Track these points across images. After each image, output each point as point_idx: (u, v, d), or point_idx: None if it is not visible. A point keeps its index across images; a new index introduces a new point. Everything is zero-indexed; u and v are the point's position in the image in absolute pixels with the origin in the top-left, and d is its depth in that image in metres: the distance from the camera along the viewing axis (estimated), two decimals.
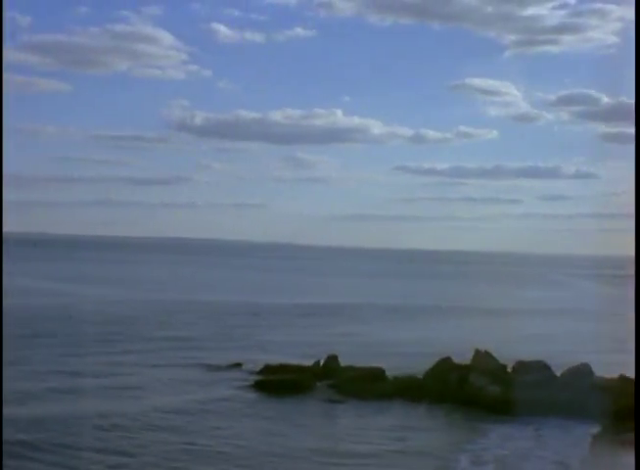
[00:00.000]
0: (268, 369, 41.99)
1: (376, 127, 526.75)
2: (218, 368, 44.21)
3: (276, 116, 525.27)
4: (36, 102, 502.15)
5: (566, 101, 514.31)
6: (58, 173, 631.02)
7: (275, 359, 44.28)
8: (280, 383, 39.33)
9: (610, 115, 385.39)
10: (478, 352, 40.27)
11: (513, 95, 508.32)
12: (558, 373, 38.39)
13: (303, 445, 29.44)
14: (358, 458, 28.37)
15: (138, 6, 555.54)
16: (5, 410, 30.72)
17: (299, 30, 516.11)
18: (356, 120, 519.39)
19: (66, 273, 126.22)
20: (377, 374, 40.38)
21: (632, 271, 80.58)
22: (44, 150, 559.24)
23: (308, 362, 42.37)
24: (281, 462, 27.40)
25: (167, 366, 44.10)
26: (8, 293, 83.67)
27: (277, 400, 37.26)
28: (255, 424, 32.51)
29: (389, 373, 40.48)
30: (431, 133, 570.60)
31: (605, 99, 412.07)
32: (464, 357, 40.05)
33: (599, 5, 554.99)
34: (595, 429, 33.41)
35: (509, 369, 39.42)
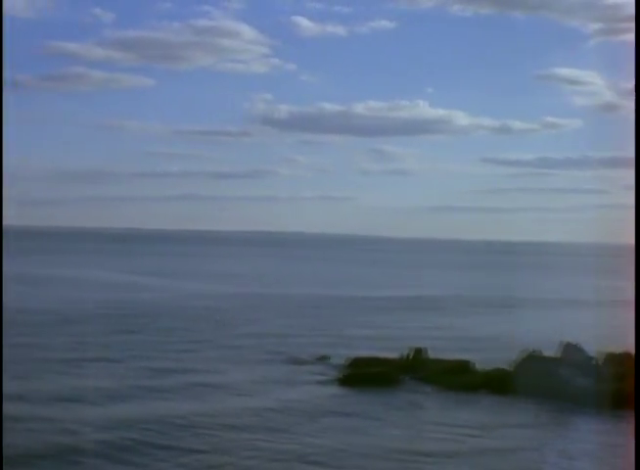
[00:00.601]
0: (355, 363, 41.81)
1: (460, 118, 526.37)
2: (304, 362, 44.19)
3: (359, 108, 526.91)
4: (120, 98, 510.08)
5: None
6: (142, 169, 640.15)
7: (361, 353, 44.06)
8: (366, 376, 39.06)
9: None
10: (566, 345, 39.72)
11: (597, 84, 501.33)
12: None
13: (391, 444, 28.96)
14: (443, 457, 27.84)
15: (220, 0, 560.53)
16: (92, 410, 31.08)
17: (382, 22, 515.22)
18: (440, 112, 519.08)
19: (151, 268, 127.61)
20: (464, 367, 40.04)
21: None
22: (129, 145, 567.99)
23: (395, 355, 42.12)
24: (367, 461, 26.95)
25: (252, 361, 44.14)
26: (98, 287, 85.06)
27: (363, 394, 37.00)
28: (340, 420, 32.23)
29: (477, 366, 40.12)
30: (517, 124, 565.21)
31: None
32: (552, 350, 39.46)
33: None
34: None
35: (599, 362, 38.77)
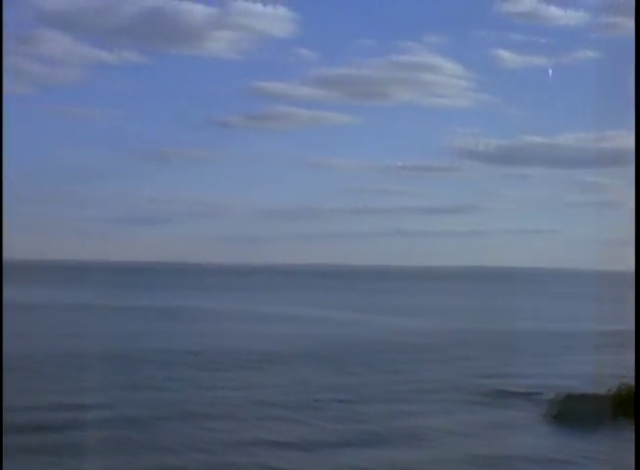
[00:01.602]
0: (567, 399, 38.97)
1: None
2: (512, 395, 42.25)
3: (565, 139, 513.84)
4: (326, 135, 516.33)
5: None
6: (350, 205, 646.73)
7: (569, 387, 41.12)
8: (582, 414, 36.53)
9: None
10: None
11: None
12: None
13: None
14: None
15: (421, 35, 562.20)
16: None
17: (585, 52, 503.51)
18: None
19: (359, 303, 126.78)
20: None
21: None
22: (335, 182, 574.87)
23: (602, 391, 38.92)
24: None
25: (458, 399, 41.73)
26: (305, 323, 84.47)
27: (580, 434, 34.48)
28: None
29: None
30: None
31: None
32: None
33: None
34: None
35: None
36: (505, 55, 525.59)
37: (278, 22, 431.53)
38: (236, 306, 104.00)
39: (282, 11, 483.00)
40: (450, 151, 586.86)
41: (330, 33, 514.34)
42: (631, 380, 42.09)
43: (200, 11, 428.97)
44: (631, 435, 33.60)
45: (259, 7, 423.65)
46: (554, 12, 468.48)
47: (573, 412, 36.95)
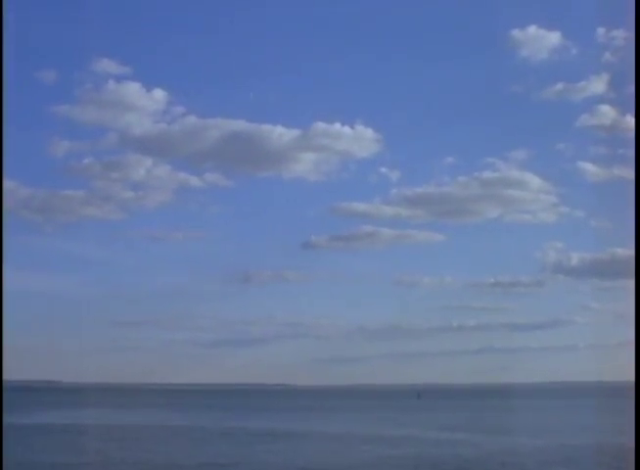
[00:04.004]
0: None
1: None
2: None
3: None
4: (412, 253, 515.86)
5: None
6: (438, 323, 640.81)
7: None
8: None
9: None
10: None
11: None
12: None
13: None
14: None
15: (503, 152, 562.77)
16: None
17: None
18: None
19: (456, 423, 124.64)
20: None
21: None
22: (423, 300, 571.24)
23: None
24: None
25: None
26: (407, 443, 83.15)
27: None
28: None
29: None
30: None
31: None
32: None
33: None
34: None
35: None
36: (588, 167, 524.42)
37: (359, 141, 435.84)
38: (337, 428, 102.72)
39: (362, 130, 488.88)
40: (537, 266, 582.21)
41: (411, 152, 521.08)
42: None
43: (282, 133, 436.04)
44: None
45: (340, 127, 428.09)
46: (632, 122, 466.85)
47: None
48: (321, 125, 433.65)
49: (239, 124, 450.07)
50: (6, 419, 73.02)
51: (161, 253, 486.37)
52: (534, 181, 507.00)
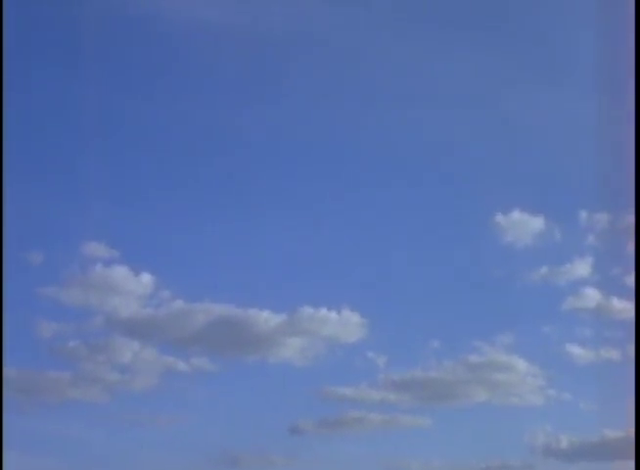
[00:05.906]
0: None
1: None
2: None
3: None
4: (400, 438, 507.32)
5: None
6: None
7: None
8: None
9: None
10: None
11: None
12: None
13: None
14: None
15: (489, 335, 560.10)
16: None
17: None
18: None
19: None
20: None
21: None
22: None
23: None
24: None
25: None
26: None
27: None
28: None
29: None
30: None
31: None
32: None
33: None
34: None
35: None
36: (575, 350, 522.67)
37: (345, 326, 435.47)
38: None
39: (348, 315, 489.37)
40: (526, 449, 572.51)
41: (397, 335, 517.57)
42: None
43: (268, 318, 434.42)
44: None
45: (326, 312, 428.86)
46: (617, 304, 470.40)
47: None
48: (307, 310, 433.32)
49: (226, 308, 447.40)
50: None
51: (146, 436, 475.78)
52: (521, 364, 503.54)
